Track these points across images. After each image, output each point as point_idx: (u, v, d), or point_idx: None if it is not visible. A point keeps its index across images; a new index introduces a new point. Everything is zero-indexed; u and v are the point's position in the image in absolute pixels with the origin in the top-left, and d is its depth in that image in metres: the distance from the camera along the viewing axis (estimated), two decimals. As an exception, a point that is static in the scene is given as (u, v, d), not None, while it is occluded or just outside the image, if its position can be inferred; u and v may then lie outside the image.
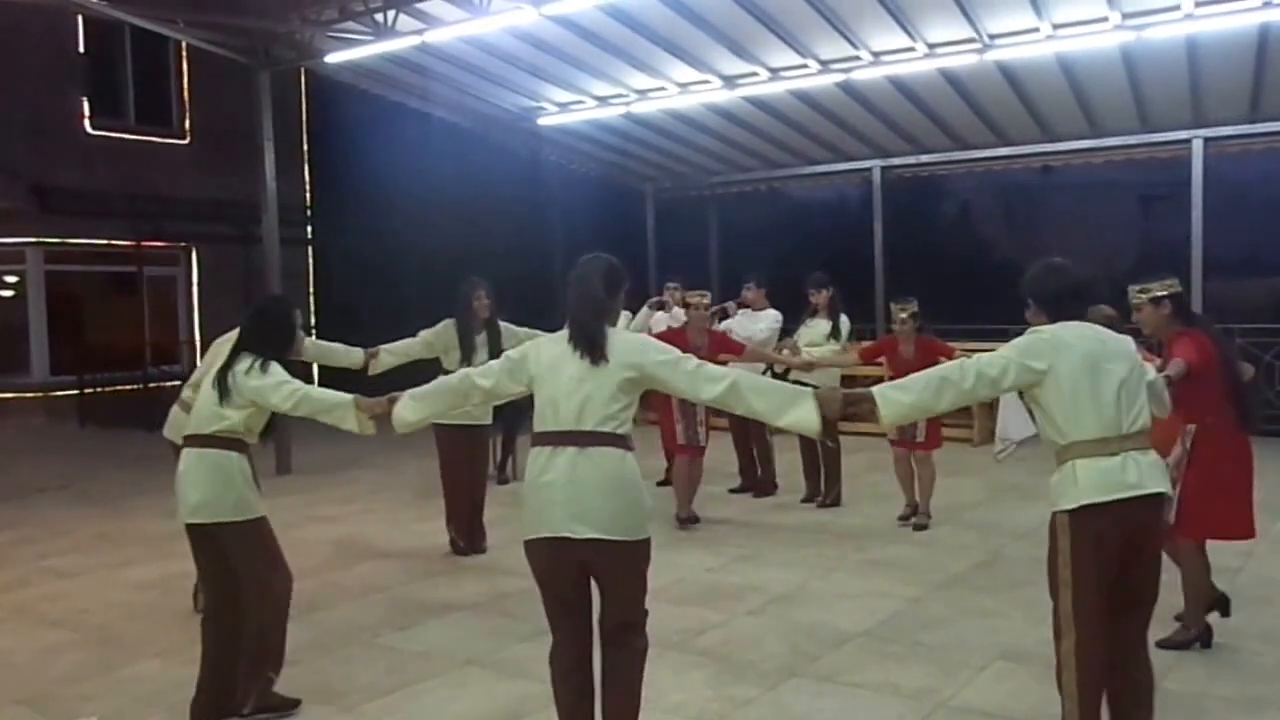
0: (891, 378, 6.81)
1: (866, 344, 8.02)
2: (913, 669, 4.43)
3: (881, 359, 7.26)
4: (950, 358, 6.84)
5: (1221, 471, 4.43)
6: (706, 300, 7.36)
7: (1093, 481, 3.15)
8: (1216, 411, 4.43)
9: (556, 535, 3.17)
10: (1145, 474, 3.19)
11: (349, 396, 3.91)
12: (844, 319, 7.84)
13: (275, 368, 3.98)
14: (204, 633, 4.08)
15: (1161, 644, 4.46)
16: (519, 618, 5.24)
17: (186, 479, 3.99)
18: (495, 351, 6.59)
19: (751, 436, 8.24)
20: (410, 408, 3.65)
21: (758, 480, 8.31)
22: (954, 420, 10.70)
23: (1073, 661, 3.18)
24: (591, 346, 3.26)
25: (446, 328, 6.60)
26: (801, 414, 3.23)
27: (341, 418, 3.89)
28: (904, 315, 7.02)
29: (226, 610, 4.02)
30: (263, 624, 3.98)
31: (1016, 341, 3.33)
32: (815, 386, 3.63)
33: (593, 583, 3.29)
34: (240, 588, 3.98)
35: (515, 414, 8.02)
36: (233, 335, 4.31)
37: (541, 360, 3.36)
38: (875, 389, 3.33)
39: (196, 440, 4.03)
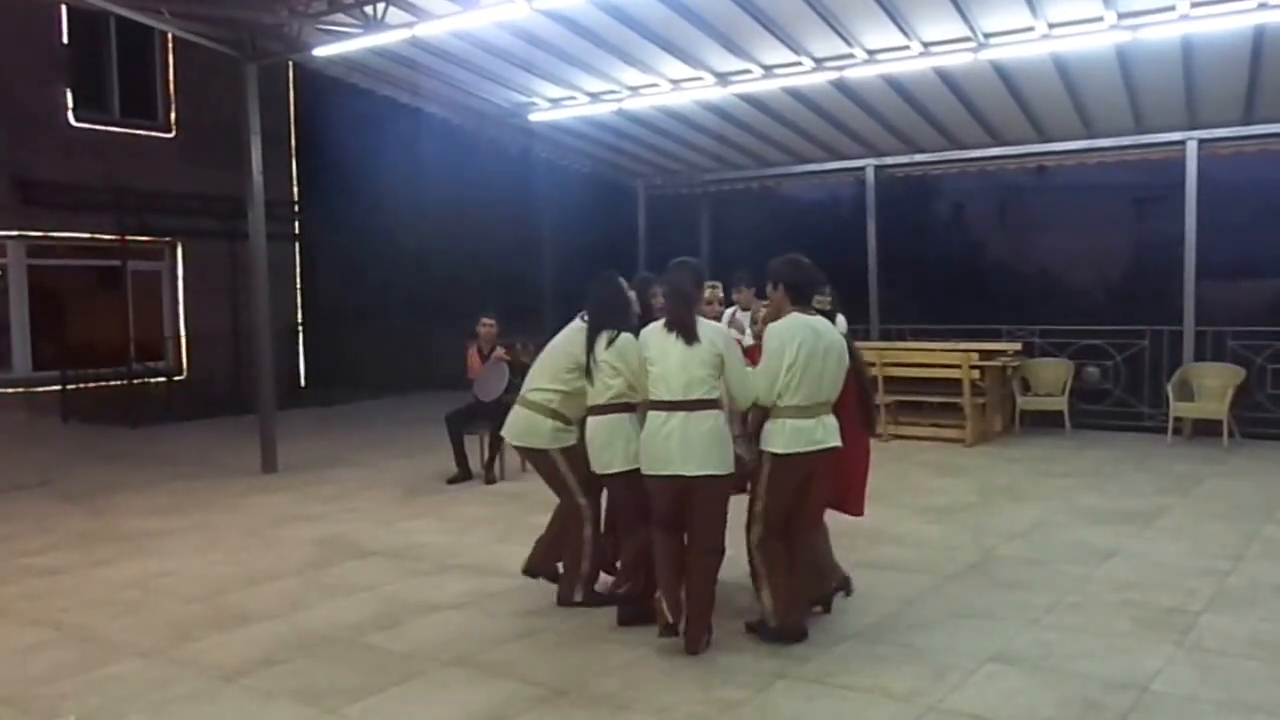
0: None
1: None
2: (903, 671, 4.39)
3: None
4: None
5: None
6: (720, 294, 6.59)
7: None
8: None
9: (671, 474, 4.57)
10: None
11: None
12: (840, 319, 7.73)
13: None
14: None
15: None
16: (504, 618, 5.18)
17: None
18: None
19: None
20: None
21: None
22: (947, 420, 10.71)
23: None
24: (686, 330, 4.61)
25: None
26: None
27: None
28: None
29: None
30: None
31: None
32: None
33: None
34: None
35: (502, 414, 7.94)
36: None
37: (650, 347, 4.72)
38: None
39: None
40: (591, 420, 5.03)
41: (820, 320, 4.75)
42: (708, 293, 6.43)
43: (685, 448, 4.50)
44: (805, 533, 4.81)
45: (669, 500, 4.63)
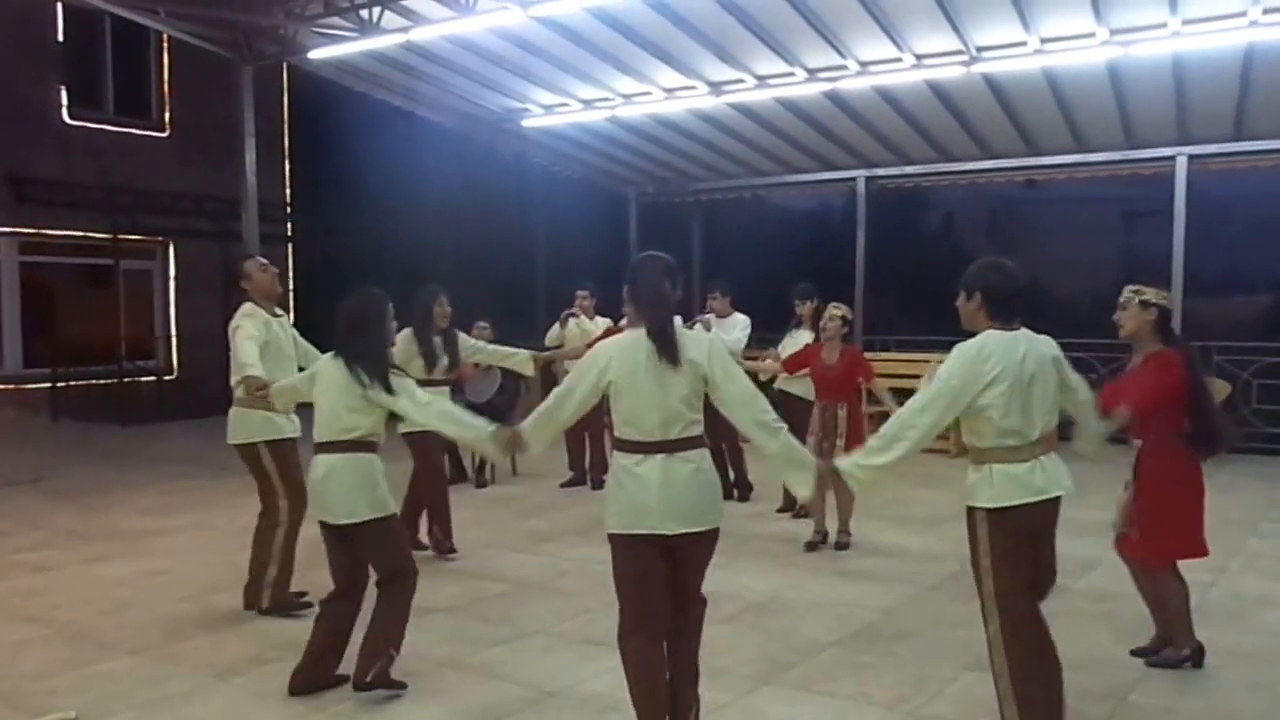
0: (818, 387, 6.82)
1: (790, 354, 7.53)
2: (885, 678, 4.44)
3: (805, 369, 7.03)
4: (870, 380, 6.89)
5: (1172, 494, 4.46)
6: None
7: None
8: (1171, 433, 4.44)
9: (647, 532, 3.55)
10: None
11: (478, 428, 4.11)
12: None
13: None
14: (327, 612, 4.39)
15: (1154, 663, 4.56)
16: (496, 621, 5.22)
17: None
18: (454, 360, 6.55)
19: (723, 438, 8.10)
20: (535, 439, 3.76)
21: (730, 484, 8.23)
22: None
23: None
24: (669, 348, 3.49)
25: (405, 338, 6.30)
26: (799, 483, 3.69)
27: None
28: (838, 314, 6.86)
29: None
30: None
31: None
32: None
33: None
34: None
35: (495, 416, 7.97)
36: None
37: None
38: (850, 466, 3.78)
39: None
40: (324, 458, 4.29)
41: (1027, 336, 3.67)
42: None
43: (666, 500, 3.46)
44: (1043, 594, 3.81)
45: (646, 570, 3.53)
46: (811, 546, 6.78)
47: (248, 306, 5.37)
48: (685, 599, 3.65)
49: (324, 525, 4.33)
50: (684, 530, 3.50)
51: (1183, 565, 4.66)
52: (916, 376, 11.72)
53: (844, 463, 3.77)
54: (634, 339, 3.51)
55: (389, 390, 4.21)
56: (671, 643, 3.63)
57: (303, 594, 5.41)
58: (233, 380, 5.14)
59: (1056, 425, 3.76)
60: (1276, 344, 10.81)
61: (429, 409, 4.31)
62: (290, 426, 5.35)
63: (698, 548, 3.59)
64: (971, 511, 3.68)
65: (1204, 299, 12.77)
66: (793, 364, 7.20)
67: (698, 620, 3.74)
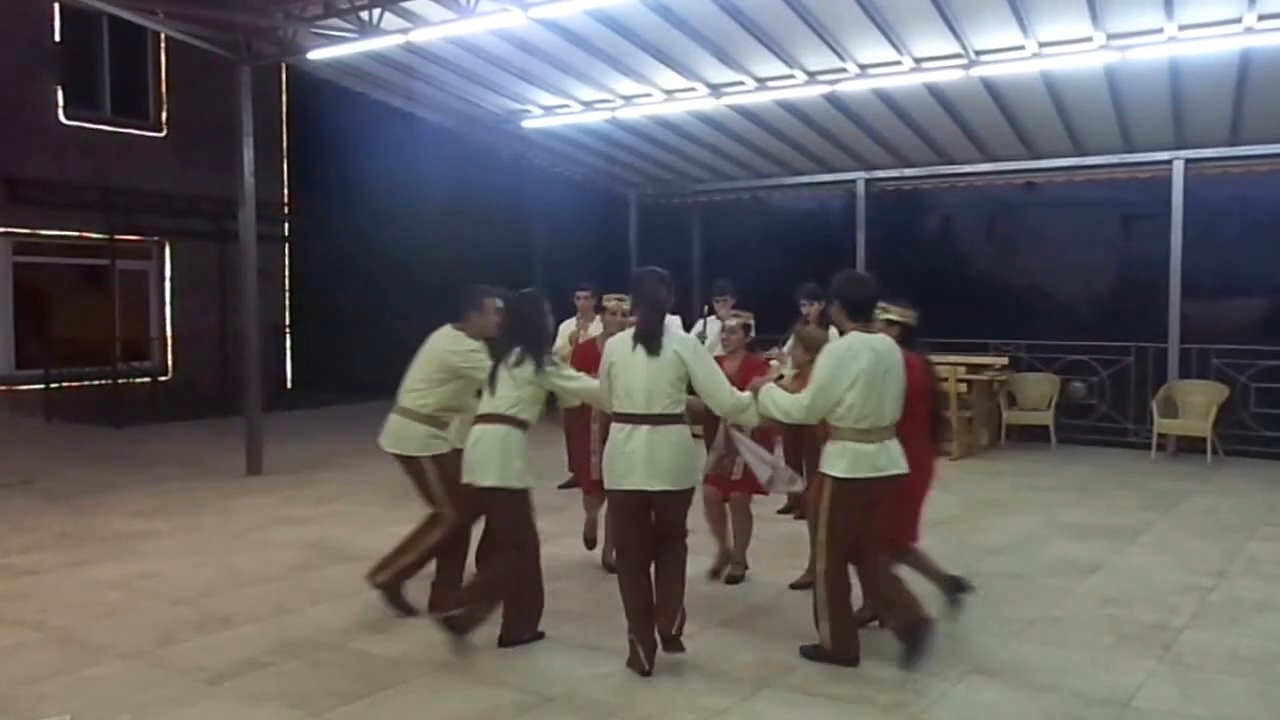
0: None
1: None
2: (886, 682, 4.41)
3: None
4: (764, 374, 6.53)
5: (913, 485, 4.77)
6: (626, 306, 5.93)
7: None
8: (916, 430, 4.74)
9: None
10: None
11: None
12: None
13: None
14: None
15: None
16: (493, 624, 5.17)
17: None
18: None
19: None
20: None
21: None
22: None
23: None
24: (651, 341, 4.49)
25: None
26: (747, 420, 4.74)
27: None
28: (736, 324, 6.15)
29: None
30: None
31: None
32: None
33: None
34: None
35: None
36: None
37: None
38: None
39: None
40: (478, 428, 4.81)
41: (881, 339, 4.51)
42: (612, 304, 6.15)
43: (650, 464, 4.40)
44: (870, 558, 4.61)
45: (629, 514, 4.55)
46: (714, 573, 5.94)
47: (476, 342, 5.18)
48: (667, 539, 4.57)
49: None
50: (663, 488, 4.43)
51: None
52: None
53: (763, 394, 4.58)
54: (630, 334, 4.58)
55: (545, 370, 4.79)
56: (658, 563, 4.57)
57: (413, 609, 5.31)
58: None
59: (900, 415, 4.47)
60: (1274, 347, 10.80)
61: (578, 383, 4.91)
62: (454, 437, 5.28)
63: (675, 503, 4.53)
64: (824, 477, 4.50)
65: (1201, 302, 12.75)
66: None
67: (679, 554, 4.59)
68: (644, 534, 4.54)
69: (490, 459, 4.70)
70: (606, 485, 4.58)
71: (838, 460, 4.43)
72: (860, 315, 4.53)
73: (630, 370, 4.48)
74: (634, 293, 4.74)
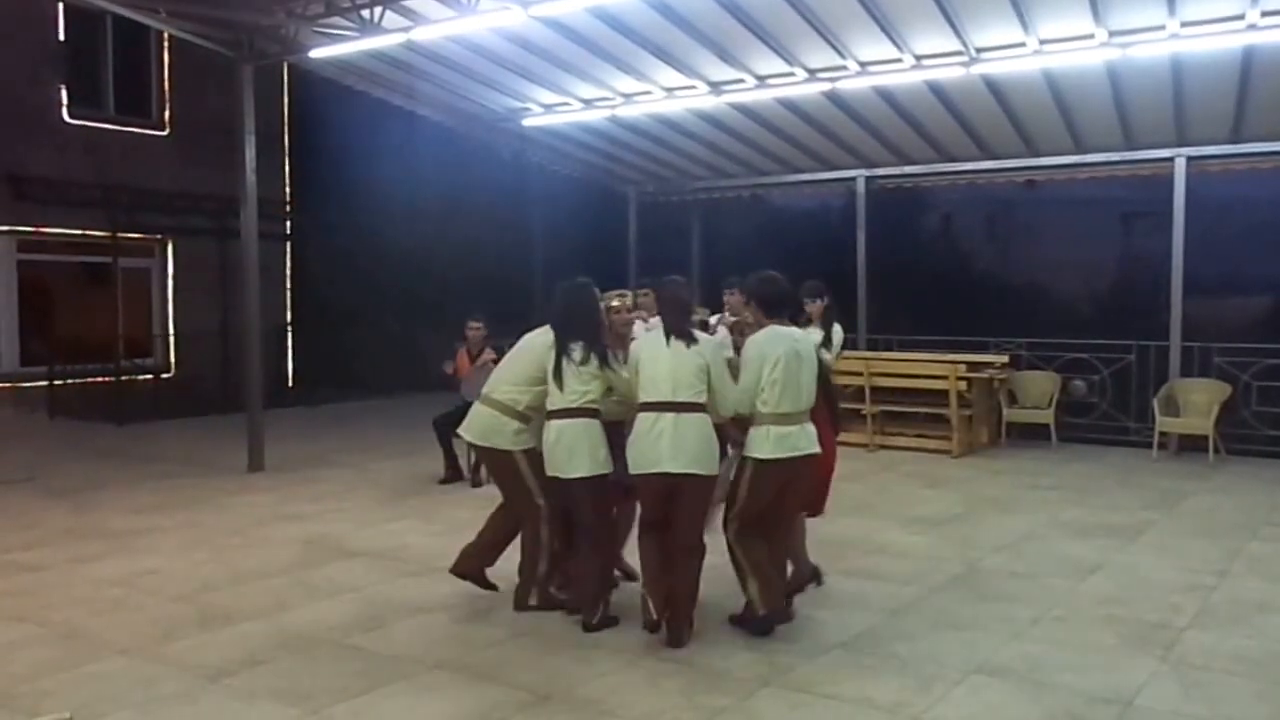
0: None
1: None
2: (888, 681, 4.40)
3: None
4: None
5: (823, 461, 5.22)
6: (629, 302, 5.97)
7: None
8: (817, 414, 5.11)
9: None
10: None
11: None
12: (837, 329, 7.66)
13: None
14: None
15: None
16: (491, 621, 5.18)
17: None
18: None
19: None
20: None
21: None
22: (934, 432, 10.75)
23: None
24: (684, 336, 4.88)
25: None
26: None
27: None
28: (696, 320, 6.11)
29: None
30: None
31: None
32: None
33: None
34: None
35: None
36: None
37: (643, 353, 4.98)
38: None
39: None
40: (555, 424, 5.05)
41: (795, 331, 5.04)
42: (616, 302, 5.99)
43: (675, 447, 4.70)
44: (782, 531, 5.06)
45: (655, 497, 4.83)
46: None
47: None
48: (683, 538, 4.80)
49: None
50: (685, 470, 4.70)
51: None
52: (917, 376, 11.75)
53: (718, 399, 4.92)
54: (658, 331, 4.95)
55: (605, 364, 5.06)
56: (672, 578, 4.79)
57: (565, 599, 5.31)
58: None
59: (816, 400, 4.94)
60: (1276, 346, 10.78)
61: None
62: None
63: (696, 486, 4.76)
64: (745, 459, 4.85)
65: (1203, 300, 12.73)
66: None
67: (694, 567, 4.84)
68: (665, 511, 4.84)
69: (579, 451, 4.98)
70: (633, 470, 4.81)
71: (762, 443, 4.79)
72: (774, 311, 5.00)
73: (656, 362, 4.84)
74: (659, 297, 5.21)
